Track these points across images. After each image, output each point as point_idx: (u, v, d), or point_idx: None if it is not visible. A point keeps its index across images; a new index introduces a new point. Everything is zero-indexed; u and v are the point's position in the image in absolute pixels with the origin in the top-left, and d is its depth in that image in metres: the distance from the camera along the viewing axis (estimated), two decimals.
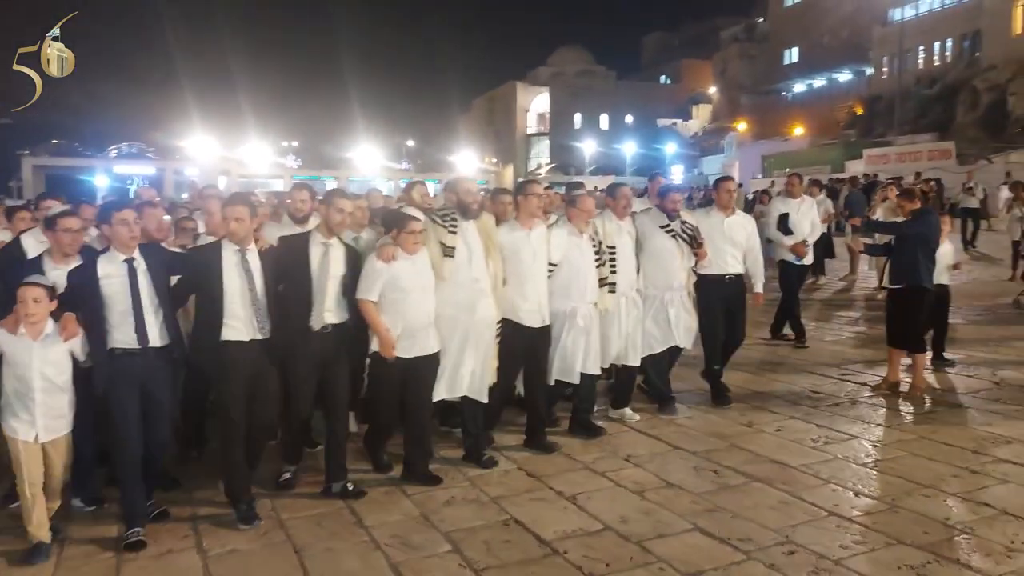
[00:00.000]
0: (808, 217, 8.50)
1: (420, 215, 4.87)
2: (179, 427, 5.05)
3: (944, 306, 7.39)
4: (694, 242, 6.01)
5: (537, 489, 4.68)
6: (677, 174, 47.65)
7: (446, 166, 55.92)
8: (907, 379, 6.60)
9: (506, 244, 5.13)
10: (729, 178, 6.93)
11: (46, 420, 4.01)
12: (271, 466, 4.89)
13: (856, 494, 4.49)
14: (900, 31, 39.75)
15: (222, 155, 41.78)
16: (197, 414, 5.34)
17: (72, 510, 4.42)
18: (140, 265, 4.19)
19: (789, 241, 8.27)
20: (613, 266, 5.62)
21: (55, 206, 5.43)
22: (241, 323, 4.28)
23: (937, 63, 46.02)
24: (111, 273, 4.12)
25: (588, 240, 5.50)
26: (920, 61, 46.83)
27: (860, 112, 49.54)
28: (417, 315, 4.67)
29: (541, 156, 70.74)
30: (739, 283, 6.45)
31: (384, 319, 4.61)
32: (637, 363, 5.87)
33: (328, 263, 4.52)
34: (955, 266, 7.64)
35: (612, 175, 44.64)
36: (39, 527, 3.99)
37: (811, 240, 8.50)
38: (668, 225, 5.97)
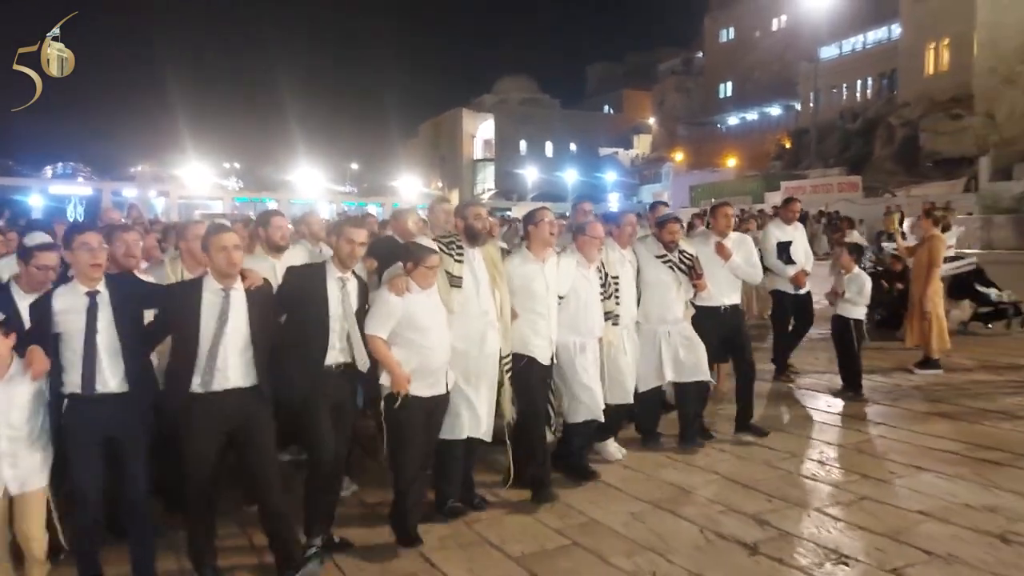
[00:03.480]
0: (801, 245, 8.08)
1: (434, 246, 4.51)
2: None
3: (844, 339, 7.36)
4: (693, 273, 5.77)
5: None
6: (614, 202, 49.34)
7: (389, 190, 56.87)
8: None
9: (518, 276, 4.88)
10: (727, 203, 6.68)
11: (15, 472, 3.56)
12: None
13: (626, 467, 5.58)
14: (815, 70, 42.20)
15: (161, 175, 42.19)
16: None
17: None
18: (104, 298, 3.71)
19: (791, 271, 7.82)
20: (618, 298, 5.43)
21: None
22: (216, 371, 3.75)
23: (859, 99, 48.68)
24: (69, 307, 3.66)
25: (595, 271, 5.28)
26: (844, 97, 49.49)
27: (789, 145, 51.93)
28: (437, 353, 4.39)
29: (487, 182, 72.10)
30: (736, 314, 6.30)
31: (397, 355, 4.29)
32: (629, 400, 5.60)
33: (349, 301, 4.19)
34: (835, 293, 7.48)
35: (552, 201, 46.04)
36: None
37: (808, 269, 8.04)
38: (665, 256, 5.76)
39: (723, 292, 6.13)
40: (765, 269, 7.53)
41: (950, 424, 6.43)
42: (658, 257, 5.76)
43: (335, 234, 4.21)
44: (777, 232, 8.06)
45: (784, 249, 7.91)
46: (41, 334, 3.66)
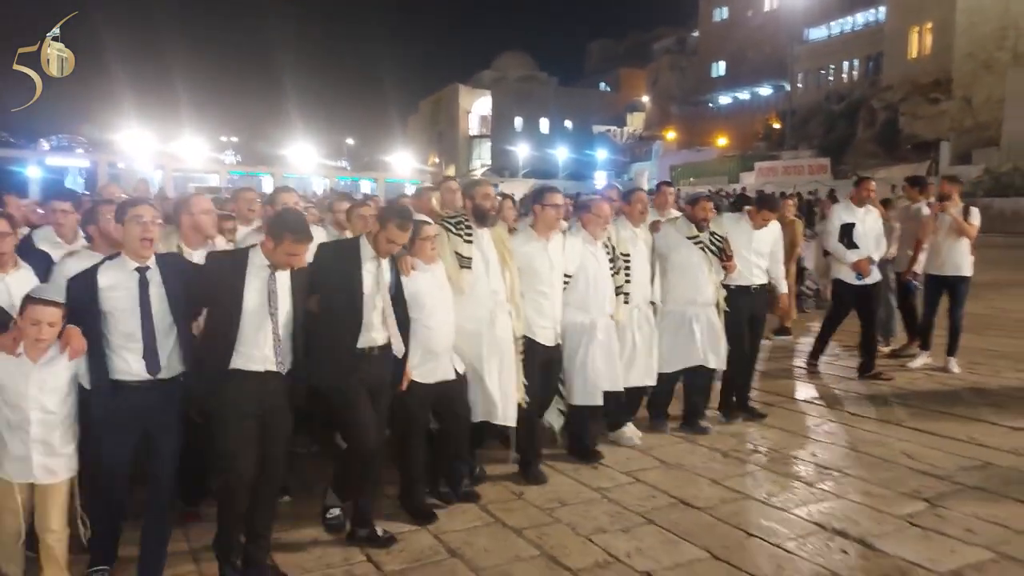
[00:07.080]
0: (874, 231, 7.42)
1: (431, 220, 4.47)
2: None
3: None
4: (723, 255, 5.79)
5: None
6: (601, 179, 50.31)
7: (383, 165, 58.06)
8: None
9: (522, 256, 4.85)
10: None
11: (44, 459, 3.36)
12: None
13: None
14: (793, 52, 42.99)
15: (157, 149, 43.53)
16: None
17: None
18: (155, 277, 3.49)
19: (852, 257, 7.27)
20: (628, 275, 5.44)
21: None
22: (257, 351, 3.54)
23: (846, 81, 49.51)
24: (117, 284, 3.43)
25: (602, 248, 5.32)
26: (832, 79, 50.32)
27: (778, 125, 52.83)
28: (442, 335, 4.30)
29: (483, 158, 73.19)
30: (764, 294, 6.34)
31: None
32: (652, 381, 5.69)
33: (381, 276, 3.99)
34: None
35: (539, 179, 47.13)
36: None
37: (876, 257, 7.41)
38: (696, 236, 5.76)
39: (753, 273, 6.18)
40: (826, 253, 7.61)
41: (761, 379, 7.73)
42: (689, 238, 5.78)
43: (378, 226, 3.97)
44: (844, 214, 7.46)
45: (847, 232, 7.34)
46: (85, 312, 3.40)
